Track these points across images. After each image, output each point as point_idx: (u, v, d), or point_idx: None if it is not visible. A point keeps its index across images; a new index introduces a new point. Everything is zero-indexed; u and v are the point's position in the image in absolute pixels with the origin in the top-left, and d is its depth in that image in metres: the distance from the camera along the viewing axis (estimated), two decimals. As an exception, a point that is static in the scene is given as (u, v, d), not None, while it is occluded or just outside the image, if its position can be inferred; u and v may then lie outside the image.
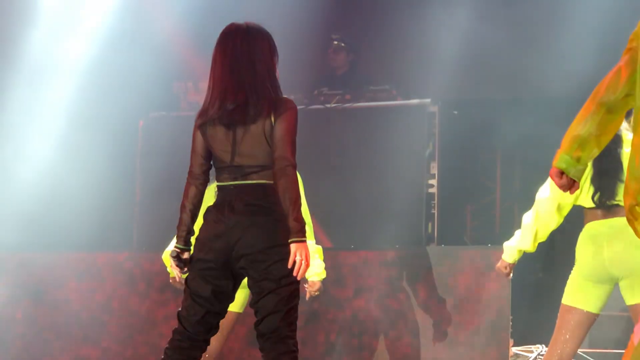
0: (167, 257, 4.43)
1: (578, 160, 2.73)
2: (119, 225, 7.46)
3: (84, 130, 7.86)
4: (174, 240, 3.84)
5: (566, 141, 2.75)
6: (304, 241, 3.30)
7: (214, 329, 3.47)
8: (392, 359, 5.50)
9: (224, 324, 4.00)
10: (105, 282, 6.20)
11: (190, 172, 3.46)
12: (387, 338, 5.59)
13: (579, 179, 2.92)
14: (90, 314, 6.19)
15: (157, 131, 7.38)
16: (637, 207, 2.54)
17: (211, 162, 3.51)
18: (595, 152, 2.78)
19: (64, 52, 7.93)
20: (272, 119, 3.32)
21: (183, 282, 3.83)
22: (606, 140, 2.81)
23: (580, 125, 2.77)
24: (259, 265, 3.31)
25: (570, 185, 2.87)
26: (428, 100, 6.64)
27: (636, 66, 2.64)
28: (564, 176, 2.79)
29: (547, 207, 4.33)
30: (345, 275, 5.64)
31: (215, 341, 4.28)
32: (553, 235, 4.63)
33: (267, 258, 3.30)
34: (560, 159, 2.79)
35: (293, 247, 3.26)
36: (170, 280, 4.73)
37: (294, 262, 3.27)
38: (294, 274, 3.25)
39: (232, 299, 3.53)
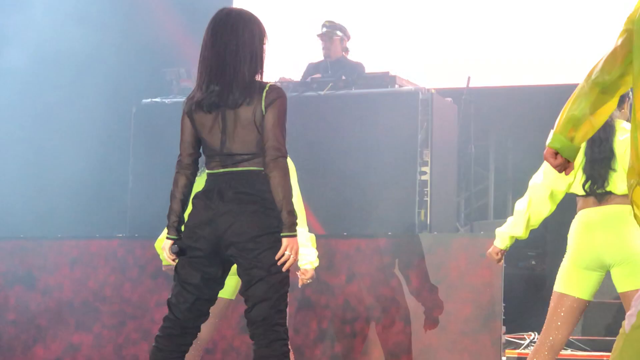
0: (159, 245, 4.60)
1: (572, 140, 2.74)
2: (112, 212, 7.65)
3: (77, 117, 8.05)
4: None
5: (560, 121, 2.77)
6: (295, 236, 3.35)
7: (204, 315, 3.49)
8: (384, 345, 5.55)
9: (214, 310, 4.10)
10: (98, 269, 6.18)
11: (179, 162, 3.48)
12: (378, 325, 5.64)
13: (574, 159, 2.94)
14: (83, 301, 6.20)
15: (149, 118, 7.45)
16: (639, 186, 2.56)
17: (200, 150, 3.51)
18: (589, 133, 2.80)
19: (57, 39, 7.86)
20: (263, 106, 3.35)
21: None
22: (600, 121, 2.82)
23: (574, 105, 2.79)
24: (249, 254, 3.33)
25: (565, 165, 2.89)
26: (422, 87, 6.73)
27: (631, 47, 2.67)
28: (559, 156, 2.81)
29: (540, 193, 4.35)
30: (338, 262, 5.67)
31: (206, 328, 4.29)
32: (546, 222, 4.60)
33: (257, 246, 3.33)
34: (554, 139, 2.82)
35: (284, 241, 3.30)
36: (163, 268, 4.75)
37: (282, 255, 3.33)
38: (280, 264, 3.30)
39: (221, 286, 3.54)
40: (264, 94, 3.39)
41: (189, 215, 3.55)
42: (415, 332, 5.71)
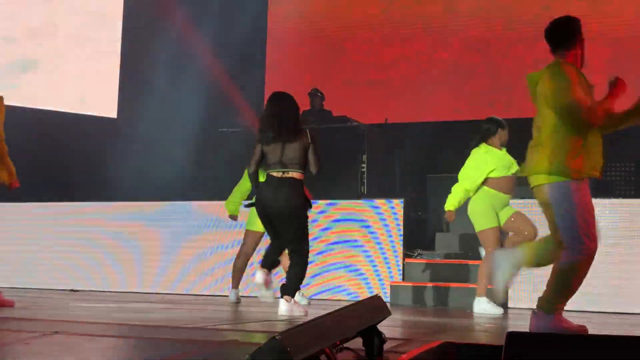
0: (228, 205, 6.53)
1: None
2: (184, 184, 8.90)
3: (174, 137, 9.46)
4: (231, 196, 6.40)
5: None
6: (311, 203, 5.03)
7: (275, 240, 5.06)
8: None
9: (256, 238, 6.23)
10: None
11: (251, 167, 5.06)
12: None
13: None
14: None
15: (223, 141, 8.92)
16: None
17: (262, 160, 4.93)
18: None
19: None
20: (305, 141, 4.84)
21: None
22: None
23: None
24: (288, 218, 4.87)
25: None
26: (361, 123, 8.60)
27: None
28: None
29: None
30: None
31: (251, 247, 6.32)
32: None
33: (293, 213, 4.87)
34: None
35: (307, 205, 4.94)
36: (229, 217, 6.51)
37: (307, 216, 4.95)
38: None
39: (279, 235, 5.00)
40: (308, 133, 4.87)
41: (256, 195, 5.10)
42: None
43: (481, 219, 5.55)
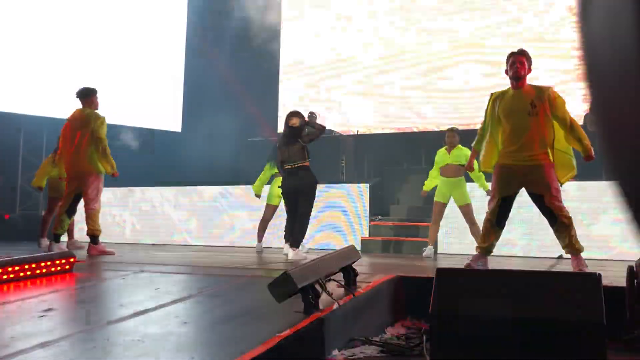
0: (254, 188, 6.14)
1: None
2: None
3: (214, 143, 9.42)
4: (257, 182, 6.04)
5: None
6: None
7: (290, 212, 4.95)
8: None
9: (271, 211, 6.04)
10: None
11: (279, 163, 5.05)
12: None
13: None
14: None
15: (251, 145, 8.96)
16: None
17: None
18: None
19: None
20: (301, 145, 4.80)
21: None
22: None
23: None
24: (300, 195, 4.84)
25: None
26: (341, 134, 8.66)
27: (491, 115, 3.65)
28: None
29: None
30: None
31: (269, 215, 6.14)
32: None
33: (304, 190, 4.82)
34: None
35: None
36: (255, 195, 6.17)
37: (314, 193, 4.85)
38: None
39: (297, 209, 4.87)
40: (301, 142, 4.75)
41: (282, 179, 5.05)
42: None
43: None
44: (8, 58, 7.60)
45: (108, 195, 7.54)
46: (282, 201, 5.83)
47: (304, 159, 4.74)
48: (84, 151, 5.02)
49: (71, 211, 5.18)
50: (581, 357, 1.76)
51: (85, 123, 5.05)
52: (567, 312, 1.83)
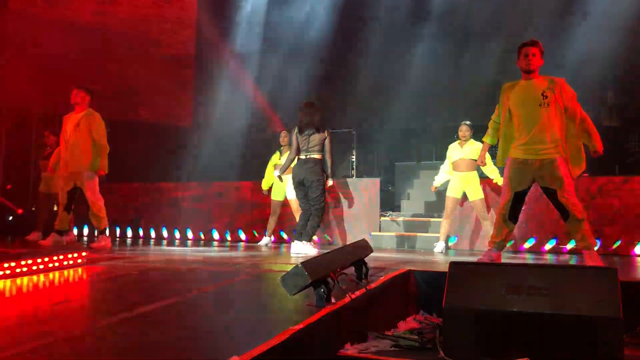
0: (263, 185, 6.17)
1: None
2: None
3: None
4: (266, 176, 6.00)
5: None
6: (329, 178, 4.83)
7: (302, 201, 4.88)
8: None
9: (278, 207, 6.03)
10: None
11: (293, 151, 4.90)
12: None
13: None
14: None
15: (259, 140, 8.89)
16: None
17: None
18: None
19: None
20: (322, 136, 4.72)
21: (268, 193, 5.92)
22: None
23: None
24: (311, 185, 4.78)
25: None
26: (350, 129, 8.39)
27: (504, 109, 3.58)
28: None
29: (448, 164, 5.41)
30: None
31: (279, 210, 6.12)
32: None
33: (314, 180, 4.75)
34: None
35: (329, 181, 4.85)
36: (263, 192, 6.21)
37: (327, 186, 4.75)
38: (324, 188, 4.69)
39: (308, 201, 4.84)
40: (326, 133, 4.74)
41: (293, 170, 4.93)
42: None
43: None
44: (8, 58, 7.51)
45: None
46: (286, 195, 5.92)
47: (319, 152, 4.72)
48: (79, 150, 5.04)
49: (69, 207, 5.23)
50: (597, 352, 1.73)
51: (81, 122, 5.06)
52: (583, 306, 1.80)
